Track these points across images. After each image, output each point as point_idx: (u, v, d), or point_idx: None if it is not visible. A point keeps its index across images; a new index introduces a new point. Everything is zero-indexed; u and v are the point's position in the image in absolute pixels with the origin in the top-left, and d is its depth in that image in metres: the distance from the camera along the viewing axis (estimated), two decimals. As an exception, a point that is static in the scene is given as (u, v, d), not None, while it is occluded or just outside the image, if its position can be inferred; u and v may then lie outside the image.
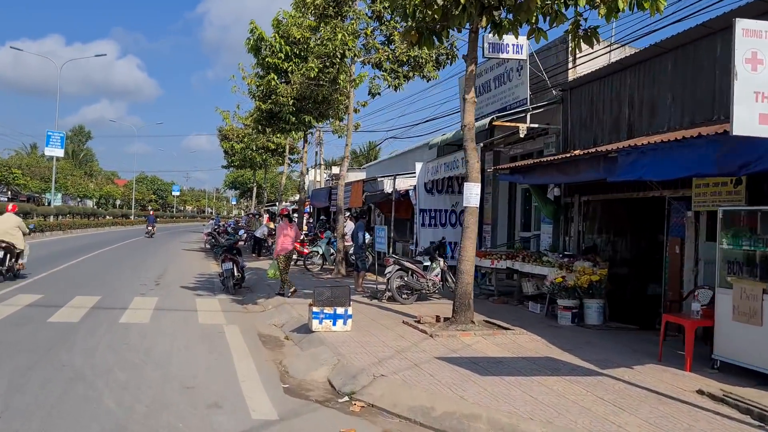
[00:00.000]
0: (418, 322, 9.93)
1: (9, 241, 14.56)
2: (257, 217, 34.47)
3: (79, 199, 70.98)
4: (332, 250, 20.18)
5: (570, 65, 14.14)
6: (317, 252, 20.51)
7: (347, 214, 21.40)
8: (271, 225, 27.46)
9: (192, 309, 12.15)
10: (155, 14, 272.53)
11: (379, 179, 22.14)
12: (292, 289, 13.48)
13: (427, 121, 37.13)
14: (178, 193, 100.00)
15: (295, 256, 23.08)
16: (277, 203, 53.54)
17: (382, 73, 17.37)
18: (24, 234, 15.13)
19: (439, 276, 13.22)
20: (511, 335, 9.19)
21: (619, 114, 12.00)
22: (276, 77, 21.12)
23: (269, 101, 22.21)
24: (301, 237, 24.20)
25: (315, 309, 9.23)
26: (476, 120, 17.53)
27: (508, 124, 13.94)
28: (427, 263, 13.42)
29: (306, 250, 21.47)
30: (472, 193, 9.61)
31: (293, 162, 39.45)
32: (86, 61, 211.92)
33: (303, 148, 24.47)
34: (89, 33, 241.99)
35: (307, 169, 36.26)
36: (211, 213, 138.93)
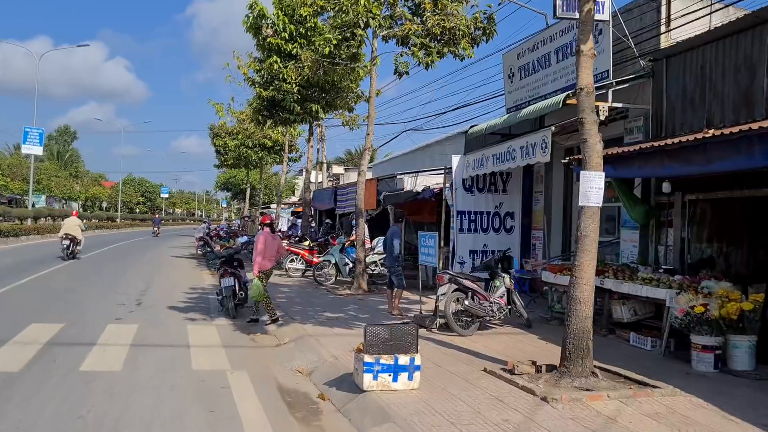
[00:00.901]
0: (511, 371, 6.91)
1: (73, 234, 22.29)
2: (251, 220, 31.35)
3: (64, 201, 67.55)
4: (347, 260, 17.14)
5: (663, 28, 11.19)
6: (329, 261, 17.43)
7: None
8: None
9: (183, 344, 9.09)
10: (144, 16, 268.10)
11: (398, 176, 19.15)
12: (274, 317, 10.60)
13: (456, 108, 33.07)
14: (167, 195, 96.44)
15: (301, 266, 20.25)
16: (273, 205, 50.55)
17: (410, 48, 14.32)
18: (82, 230, 23.30)
19: (504, 297, 10.23)
20: (660, 398, 6.20)
21: (752, 84, 9.06)
22: (279, 60, 18.09)
23: (271, 87, 19.22)
24: (308, 244, 21.32)
25: (368, 359, 6.19)
26: (528, 102, 14.65)
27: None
28: (481, 278, 10.44)
29: (316, 260, 18.42)
30: (593, 187, 6.65)
31: (292, 161, 36.37)
32: (74, 62, 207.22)
33: (308, 142, 21.41)
34: (76, 34, 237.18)
35: (313, 165, 33.36)
36: (201, 216, 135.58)
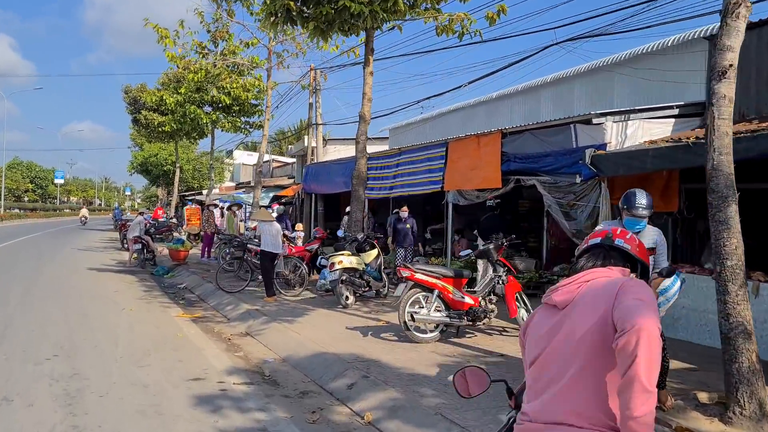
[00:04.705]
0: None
1: None
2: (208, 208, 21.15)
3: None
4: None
5: None
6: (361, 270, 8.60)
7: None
8: (300, 228, 14.88)
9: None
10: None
11: (574, 124, 10.17)
12: None
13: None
14: (62, 181, 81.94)
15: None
16: (204, 192, 39.77)
17: None
18: None
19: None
20: None
21: None
22: None
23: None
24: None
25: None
26: None
27: None
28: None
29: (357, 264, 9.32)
30: None
31: (252, 127, 26.26)
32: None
33: (366, 67, 11.73)
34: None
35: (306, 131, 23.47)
36: (101, 205, 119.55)
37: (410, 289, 7.68)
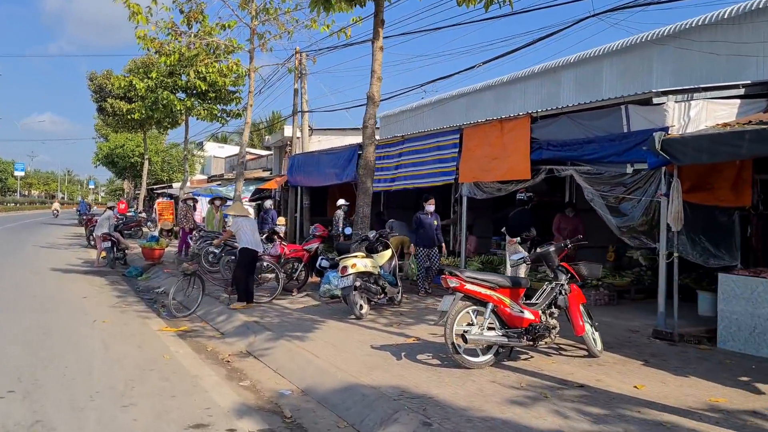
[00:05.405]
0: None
1: None
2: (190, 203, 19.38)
3: None
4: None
5: None
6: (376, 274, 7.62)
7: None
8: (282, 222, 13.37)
9: None
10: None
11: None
12: None
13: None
14: (22, 174, 78.45)
15: (330, 286, 9.74)
16: (176, 185, 37.72)
17: None
18: None
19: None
20: None
21: None
22: None
23: None
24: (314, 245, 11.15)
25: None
26: None
27: None
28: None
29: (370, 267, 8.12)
30: None
31: (230, 116, 24.44)
32: None
33: (374, 41, 10.22)
34: None
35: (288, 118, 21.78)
36: (63, 198, 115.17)
37: (459, 302, 6.24)
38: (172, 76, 22.19)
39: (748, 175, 7.99)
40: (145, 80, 22.16)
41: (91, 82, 36.91)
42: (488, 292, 6.23)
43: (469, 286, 6.20)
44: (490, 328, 6.28)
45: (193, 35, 18.10)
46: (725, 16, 10.49)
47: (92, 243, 20.69)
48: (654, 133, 7.30)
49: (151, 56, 23.27)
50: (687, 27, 11.24)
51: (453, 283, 6.20)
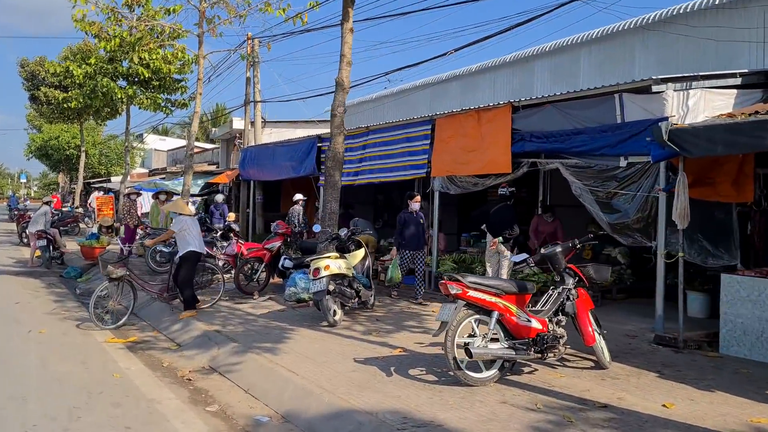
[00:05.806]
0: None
1: None
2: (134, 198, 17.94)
3: None
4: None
5: None
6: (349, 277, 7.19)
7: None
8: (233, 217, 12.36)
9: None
10: None
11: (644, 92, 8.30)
12: None
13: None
14: (-54, 167, 73.70)
15: (296, 289, 8.91)
16: (115, 179, 35.80)
17: None
18: None
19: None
20: None
21: None
22: None
23: None
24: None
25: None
26: None
27: None
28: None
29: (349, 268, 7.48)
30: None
31: (175, 105, 23.07)
32: None
33: (345, 21, 9.37)
34: None
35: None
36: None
37: (461, 310, 5.50)
38: (113, 62, 20.80)
39: (750, 169, 7.55)
40: (84, 66, 20.59)
41: (22, 68, 34.59)
42: (494, 299, 5.51)
43: (472, 293, 5.47)
44: (493, 339, 5.58)
45: (136, 18, 16.78)
46: (716, 2, 10.11)
47: (25, 241, 19.12)
48: (660, 123, 6.72)
49: (89, 42, 21.73)
50: (673, 13, 10.82)
51: (455, 289, 5.45)
